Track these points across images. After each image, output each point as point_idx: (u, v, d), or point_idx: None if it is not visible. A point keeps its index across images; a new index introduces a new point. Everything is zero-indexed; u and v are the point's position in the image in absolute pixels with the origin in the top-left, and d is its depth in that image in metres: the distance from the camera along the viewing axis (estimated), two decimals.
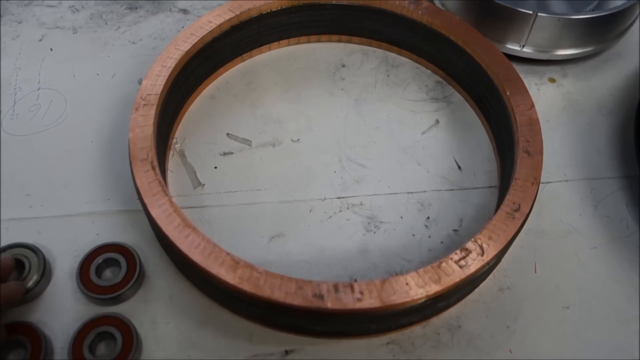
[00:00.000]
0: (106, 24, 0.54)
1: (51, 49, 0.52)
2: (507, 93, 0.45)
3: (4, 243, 0.41)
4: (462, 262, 0.37)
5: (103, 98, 0.49)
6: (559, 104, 0.52)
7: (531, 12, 0.49)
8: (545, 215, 0.45)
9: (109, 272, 0.41)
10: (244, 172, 0.46)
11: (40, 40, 0.53)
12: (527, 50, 0.52)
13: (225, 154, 0.47)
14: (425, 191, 0.46)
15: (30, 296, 0.39)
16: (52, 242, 0.42)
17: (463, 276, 0.37)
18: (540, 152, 0.42)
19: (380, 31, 0.53)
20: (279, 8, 0.50)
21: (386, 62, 0.54)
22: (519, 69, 0.53)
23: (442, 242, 0.44)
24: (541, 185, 0.47)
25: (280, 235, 0.43)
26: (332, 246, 0.43)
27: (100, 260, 0.40)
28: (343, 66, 0.53)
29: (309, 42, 0.54)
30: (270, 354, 0.38)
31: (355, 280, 0.42)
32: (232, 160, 0.47)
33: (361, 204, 0.45)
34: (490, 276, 0.42)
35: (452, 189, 0.46)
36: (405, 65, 0.54)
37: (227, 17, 0.48)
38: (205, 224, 0.43)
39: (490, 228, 0.39)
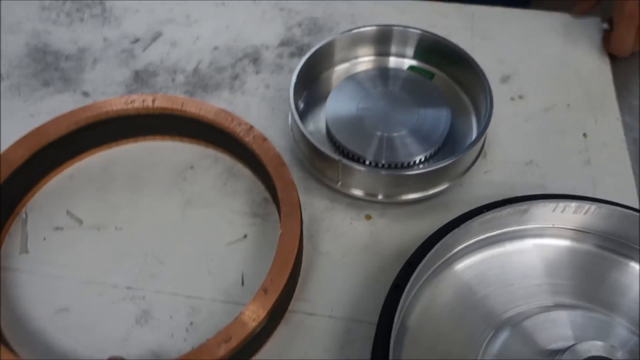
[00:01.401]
0: (19, 95, 0.66)
1: None
2: (280, 230, 0.51)
3: None
4: None
5: None
6: (363, 241, 0.57)
7: (337, 159, 0.55)
8: (294, 344, 0.51)
9: None
10: (63, 248, 0.55)
11: None
12: (343, 190, 0.58)
13: (57, 228, 0.57)
14: (202, 298, 0.53)
15: None
16: None
17: None
18: (276, 292, 0.48)
19: (228, 144, 0.60)
20: (146, 113, 0.59)
21: (229, 171, 0.61)
22: (344, 201, 0.59)
23: (192, 347, 0.50)
24: (304, 316, 0.52)
25: (65, 310, 0.52)
26: (102, 329, 0.51)
27: None
28: (191, 168, 0.61)
29: (172, 140, 0.63)
30: None
31: None
32: (60, 236, 0.56)
33: (143, 298, 0.53)
34: None
35: (226, 302, 0.53)
36: (245, 178, 0.60)
37: (95, 113, 0.58)
38: (10, 287, 0.53)
39: (191, 354, 0.45)
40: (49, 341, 0.50)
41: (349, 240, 0.57)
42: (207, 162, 0.61)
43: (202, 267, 0.55)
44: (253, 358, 0.50)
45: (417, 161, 0.59)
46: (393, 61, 0.69)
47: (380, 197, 0.57)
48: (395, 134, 0.60)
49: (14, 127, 0.63)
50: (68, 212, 0.58)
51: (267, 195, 0.59)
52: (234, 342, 0.46)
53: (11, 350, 0.46)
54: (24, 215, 0.58)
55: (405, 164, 0.59)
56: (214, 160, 0.62)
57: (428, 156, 0.60)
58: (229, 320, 0.47)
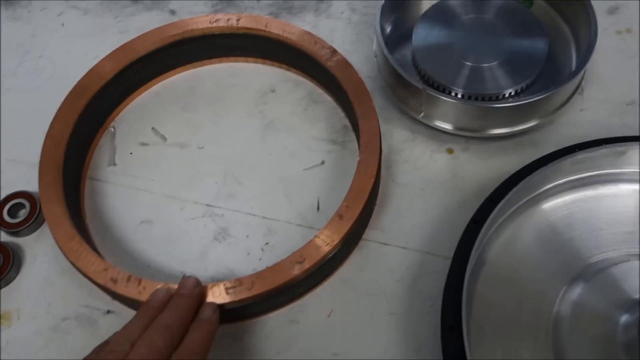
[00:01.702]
0: (110, 11, 0.67)
1: (62, 24, 0.66)
2: (359, 157, 0.50)
3: None
4: (230, 290, 0.45)
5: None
6: (443, 175, 0.55)
7: (421, 88, 0.53)
8: (367, 272, 0.51)
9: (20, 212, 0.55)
10: (148, 163, 0.57)
11: (58, 15, 0.67)
12: (425, 121, 0.56)
13: (142, 144, 0.58)
14: (278, 220, 0.54)
15: None
16: None
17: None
18: (351, 218, 0.48)
19: (310, 68, 0.59)
20: (230, 32, 0.58)
21: (310, 97, 0.60)
22: (425, 132, 0.57)
23: (266, 267, 0.51)
24: (378, 245, 0.52)
25: (149, 222, 0.54)
26: (183, 242, 0.53)
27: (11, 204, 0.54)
28: (272, 91, 0.60)
29: (255, 62, 0.62)
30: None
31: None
32: (145, 151, 0.58)
33: (222, 216, 0.54)
34: (287, 307, 0.50)
35: (300, 225, 0.53)
36: (325, 104, 0.59)
37: (180, 30, 0.58)
38: (98, 197, 0.56)
39: (266, 272, 0.46)
40: (133, 250, 0.53)
41: (428, 173, 0.55)
42: (288, 86, 0.61)
43: (279, 190, 0.55)
44: (326, 281, 0.50)
45: (507, 94, 0.56)
46: None
47: (464, 130, 0.55)
48: (485, 65, 0.57)
49: (105, 43, 0.64)
50: (153, 129, 0.59)
51: (347, 122, 0.58)
52: (307, 264, 0.46)
53: (100, 256, 0.48)
54: (112, 130, 0.60)
55: (494, 97, 0.56)
56: (295, 85, 0.61)
57: (519, 90, 0.56)
58: (304, 243, 0.47)
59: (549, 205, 0.50)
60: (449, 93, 0.56)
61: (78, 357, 0.48)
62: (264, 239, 0.53)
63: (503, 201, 0.46)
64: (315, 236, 0.47)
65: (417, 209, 0.53)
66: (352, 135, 0.57)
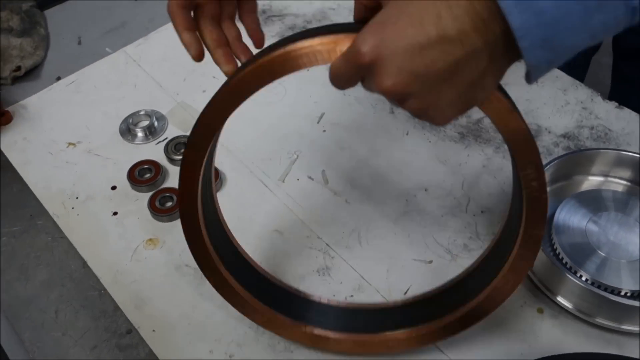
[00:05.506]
0: None
1: None
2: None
3: None
4: None
5: None
6: (519, 326, 0.59)
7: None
8: None
9: None
10: (304, 192, 0.70)
11: None
12: (531, 272, 0.61)
13: (309, 177, 0.72)
14: (370, 285, 0.63)
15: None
16: None
17: None
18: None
19: None
20: None
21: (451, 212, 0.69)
22: (528, 284, 0.62)
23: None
24: None
25: (280, 233, 0.67)
26: (292, 258, 0.65)
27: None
28: (425, 190, 0.70)
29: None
30: None
31: None
32: (307, 184, 0.71)
33: (333, 258, 0.65)
34: None
35: (384, 298, 0.61)
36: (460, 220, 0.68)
37: None
38: (256, 198, 0.70)
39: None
40: (257, 245, 0.66)
41: (507, 314, 0.60)
42: (439, 192, 0.70)
43: (384, 263, 0.64)
44: None
45: (625, 292, 0.58)
46: None
47: (568, 304, 0.59)
48: (614, 259, 0.60)
49: None
50: (323, 171, 0.73)
51: (469, 243, 0.66)
52: None
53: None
54: (295, 157, 0.74)
55: (610, 290, 0.58)
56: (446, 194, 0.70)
57: (637, 293, 0.58)
58: None
59: None
60: (569, 268, 0.60)
61: (177, 295, 0.62)
62: (352, 292, 0.62)
63: None
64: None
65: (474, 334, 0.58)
66: (466, 255, 0.65)
